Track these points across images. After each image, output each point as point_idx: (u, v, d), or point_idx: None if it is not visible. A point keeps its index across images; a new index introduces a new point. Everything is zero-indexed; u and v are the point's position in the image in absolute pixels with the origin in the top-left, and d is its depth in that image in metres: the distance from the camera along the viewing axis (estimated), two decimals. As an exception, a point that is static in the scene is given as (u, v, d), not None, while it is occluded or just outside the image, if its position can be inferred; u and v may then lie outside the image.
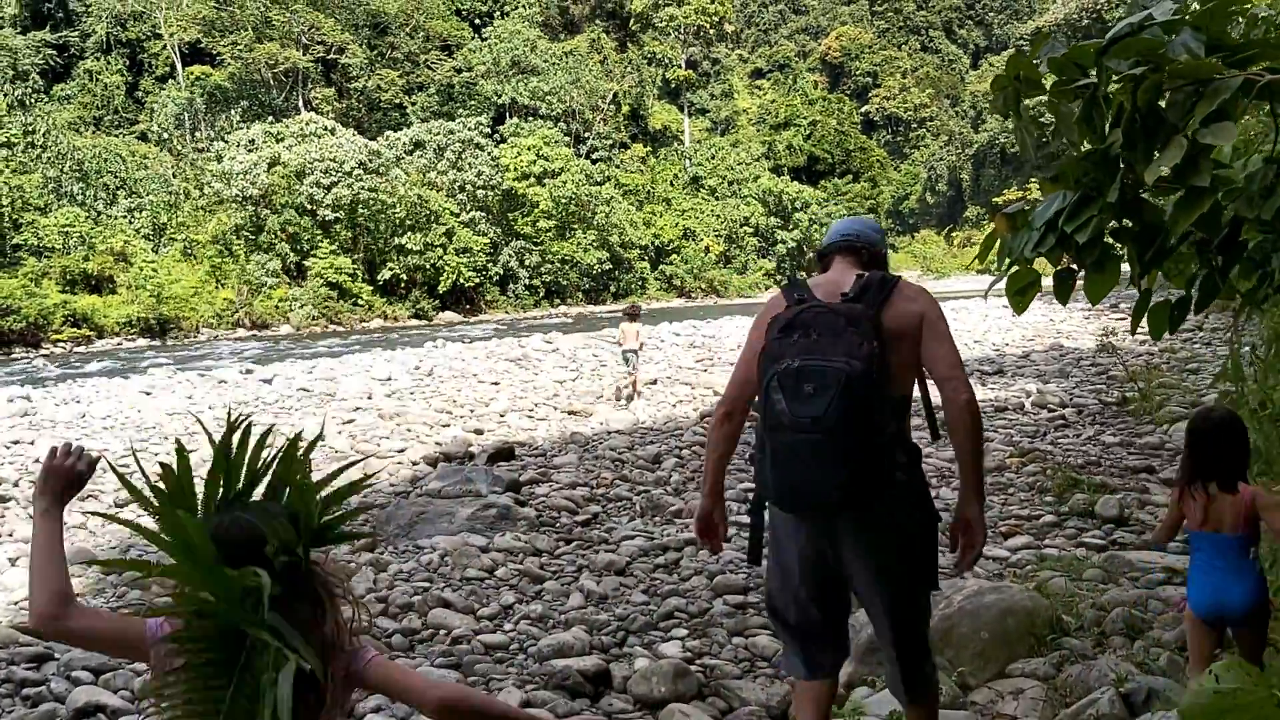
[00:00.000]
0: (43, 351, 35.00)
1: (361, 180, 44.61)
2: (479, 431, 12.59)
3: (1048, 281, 2.91)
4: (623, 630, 5.63)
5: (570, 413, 13.74)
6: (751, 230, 64.56)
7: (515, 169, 52.98)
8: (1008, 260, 2.92)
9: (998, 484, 8.34)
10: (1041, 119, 2.95)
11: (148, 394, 17.08)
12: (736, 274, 62.62)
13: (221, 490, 1.81)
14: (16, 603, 6.56)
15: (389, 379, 17.53)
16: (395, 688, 1.96)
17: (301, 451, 1.84)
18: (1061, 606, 5.10)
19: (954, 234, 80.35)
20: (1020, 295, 2.94)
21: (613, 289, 56.08)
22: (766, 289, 63.34)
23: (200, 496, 1.78)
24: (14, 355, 34.17)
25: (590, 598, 6.18)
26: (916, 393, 3.23)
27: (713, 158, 68.28)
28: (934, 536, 3.22)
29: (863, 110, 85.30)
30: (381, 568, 6.90)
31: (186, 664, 1.71)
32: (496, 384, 16.69)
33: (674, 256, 60.13)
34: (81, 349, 35.93)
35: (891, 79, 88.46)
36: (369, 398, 15.66)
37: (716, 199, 65.42)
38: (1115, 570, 5.84)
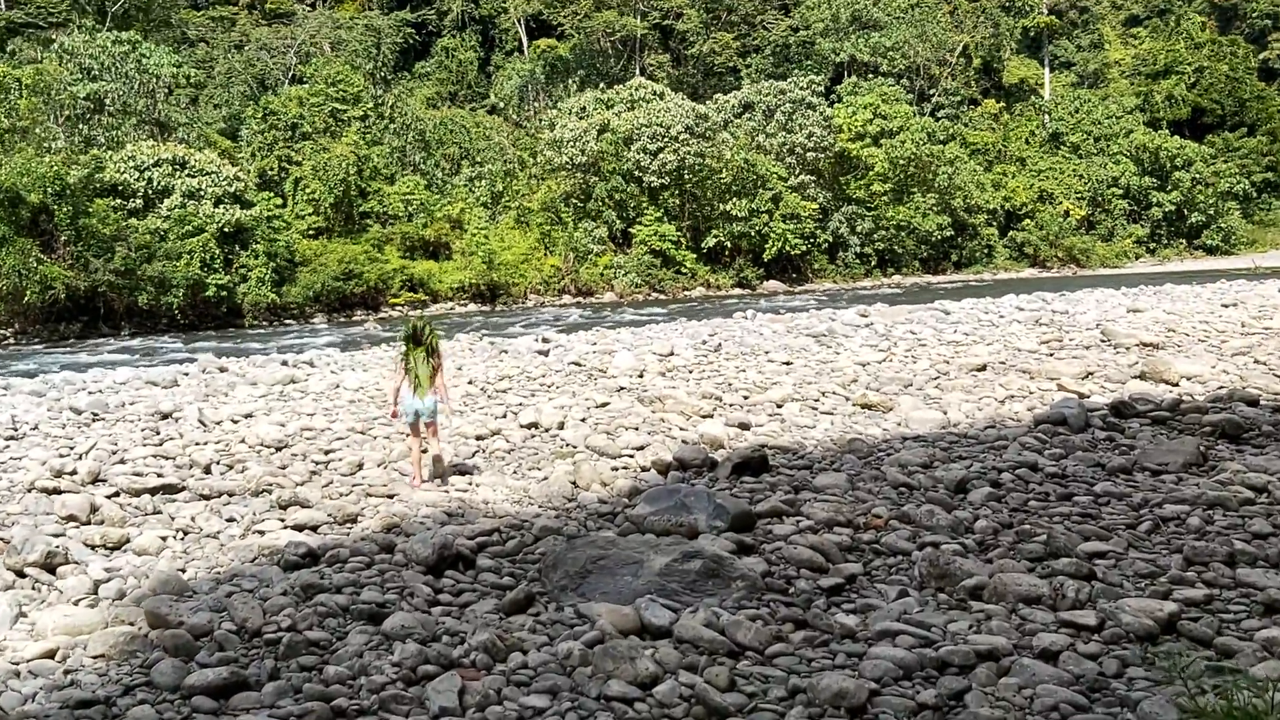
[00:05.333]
0: (380, 315, 36.35)
1: (688, 145, 43.11)
2: (744, 426, 10.12)
3: None
4: None
5: (864, 406, 10.92)
6: (1120, 192, 57.05)
7: (849, 129, 49.50)
8: None
9: None
10: None
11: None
12: (1101, 241, 55.55)
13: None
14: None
15: (670, 354, 15.40)
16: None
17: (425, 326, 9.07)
18: None
19: (1379, 197, 67.52)
20: None
21: (954, 258, 51.29)
22: (1136, 258, 55.96)
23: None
24: (354, 318, 35.74)
25: (791, 767, 3.58)
26: None
27: (1076, 112, 60.87)
28: None
29: (1261, 56, 73.23)
30: (499, 655, 4.62)
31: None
32: (788, 364, 14.11)
33: (1027, 222, 54.10)
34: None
35: (1299, 18, 75.17)
36: (640, 375, 13.63)
37: (1079, 157, 58.29)
38: None
